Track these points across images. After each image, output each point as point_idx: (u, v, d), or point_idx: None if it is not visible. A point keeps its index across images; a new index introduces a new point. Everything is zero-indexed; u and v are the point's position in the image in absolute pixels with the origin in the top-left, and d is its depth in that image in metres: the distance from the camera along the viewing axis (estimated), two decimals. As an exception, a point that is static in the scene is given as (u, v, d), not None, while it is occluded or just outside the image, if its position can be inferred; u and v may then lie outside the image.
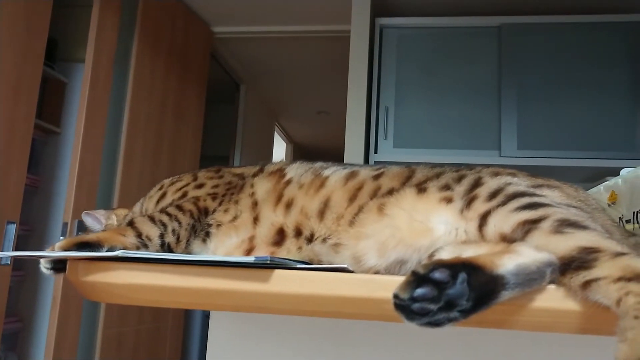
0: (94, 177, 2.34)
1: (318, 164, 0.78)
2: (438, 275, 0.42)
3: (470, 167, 0.70)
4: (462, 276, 0.43)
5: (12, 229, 2.00)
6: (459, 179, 0.65)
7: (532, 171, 2.33)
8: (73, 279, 0.56)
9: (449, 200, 0.61)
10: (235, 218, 0.72)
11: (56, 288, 2.15)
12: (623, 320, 0.41)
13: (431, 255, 0.58)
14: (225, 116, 4.19)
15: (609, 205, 0.80)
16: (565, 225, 0.50)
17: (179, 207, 0.71)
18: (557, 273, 0.48)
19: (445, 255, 0.56)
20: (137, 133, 2.63)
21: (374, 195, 0.68)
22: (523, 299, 0.48)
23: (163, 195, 0.80)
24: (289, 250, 0.70)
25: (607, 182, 0.82)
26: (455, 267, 0.43)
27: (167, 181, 0.83)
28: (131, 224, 0.67)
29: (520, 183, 0.61)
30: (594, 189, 0.86)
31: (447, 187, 0.64)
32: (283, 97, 4.81)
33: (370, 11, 2.73)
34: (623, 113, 2.53)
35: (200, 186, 0.78)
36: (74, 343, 2.21)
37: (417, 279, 0.43)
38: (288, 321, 0.79)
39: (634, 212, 0.73)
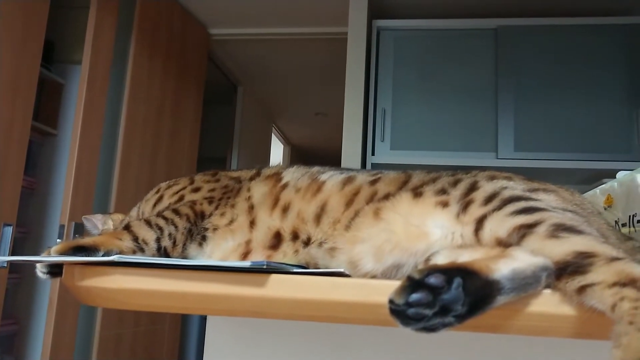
0: (91, 179, 2.33)
1: (315, 168, 0.78)
2: (433, 280, 0.42)
3: (467, 171, 0.70)
4: (457, 281, 0.43)
5: (8, 231, 1.99)
6: (455, 183, 0.65)
7: (529, 173, 2.33)
8: (69, 284, 0.56)
9: (445, 204, 0.62)
10: (231, 222, 0.73)
11: (53, 290, 2.14)
12: (618, 325, 0.41)
13: (427, 260, 0.58)
14: (222, 118, 4.19)
15: (605, 209, 0.80)
16: (560, 229, 0.51)
17: (176, 211, 0.71)
18: (552, 278, 0.48)
19: (441, 259, 0.56)
20: (134, 135, 2.63)
21: (370, 200, 0.68)
22: (519, 303, 0.48)
23: (160, 199, 0.80)
24: (286, 253, 0.70)
25: (603, 185, 0.82)
26: (451, 272, 0.43)
27: (163, 185, 0.83)
28: (127, 227, 0.67)
29: (516, 187, 0.61)
30: (590, 192, 0.86)
31: (443, 191, 0.64)
32: (280, 99, 4.81)
33: (367, 13, 2.73)
34: (619, 115, 2.54)
35: (196, 190, 0.78)
36: (70, 345, 2.21)
37: (413, 284, 0.43)
38: (285, 324, 0.79)
39: (629, 216, 0.73)
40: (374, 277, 0.62)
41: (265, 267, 0.51)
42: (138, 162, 2.66)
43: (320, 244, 0.67)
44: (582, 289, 0.45)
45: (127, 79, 2.60)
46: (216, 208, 0.75)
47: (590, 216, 0.60)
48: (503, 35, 2.68)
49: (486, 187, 0.61)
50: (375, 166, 2.64)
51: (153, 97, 2.78)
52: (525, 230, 0.52)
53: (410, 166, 2.71)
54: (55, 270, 0.64)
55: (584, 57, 2.61)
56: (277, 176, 0.78)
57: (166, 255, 0.68)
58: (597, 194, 0.83)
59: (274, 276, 0.52)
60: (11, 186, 2.01)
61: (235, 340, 0.80)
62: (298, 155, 6.52)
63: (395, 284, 0.45)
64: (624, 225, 0.74)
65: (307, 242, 0.69)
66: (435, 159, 2.61)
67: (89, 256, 0.60)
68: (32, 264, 0.65)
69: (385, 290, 0.46)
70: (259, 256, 0.70)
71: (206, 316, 0.82)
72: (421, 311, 0.42)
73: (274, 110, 5.11)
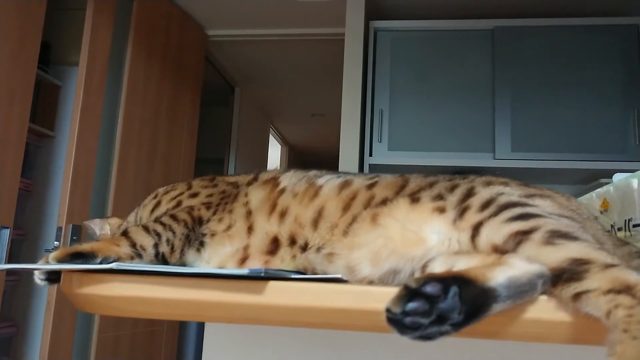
0: (88, 181, 2.33)
1: (312, 172, 0.79)
2: (430, 289, 0.43)
3: (464, 176, 0.71)
4: (453, 290, 0.43)
5: (5, 233, 1.99)
6: (452, 189, 0.65)
7: (526, 173, 2.32)
8: (67, 291, 0.56)
9: (441, 210, 0.62)
10: (229, 227, 0.73)
11: (50, 293, 2.14)
12: (612, 333, 0.41)
13: (424, 266, 0.58)
14: (220, 119, 4.19)
15: (600, 213, 0.81)
16: (556, 236, 0.51)
17: (173, 217, 0.71)
18: (548, 284, 0.48)
19: (438, 266, 0.56)
20: (132, 136, 2.63)
21: (367, 204, 0.68)
22: (515, 310, 0.48)
23: (157, 204, 0.80)
24: (283, 259, 0.70)
25: (599, 189, 0.82)
26: (447, 280, 0.44)
27: (161, 190, 0.83)
28: (125, 233, 0.67)
29: (512, 193, 0.61)
30: (587, 196, 0.87)
31: (440, 197, 0.64)
32: (278, 100, 4.82)
33: (364, 14, 2.73)
34: (616, 115, 2.54)
35: (194, 195, 0.78)
36: (68, 348, 2.20)
37: (409, 293, 0.43)
38: (283, 329, 0.79)
39: (625, 220, 0.74)
40: (371, 282, 0.62)
41: (263, 274, 0.51)
42: (135, 163, 2.65)
43: (318, 249, 0.67)
44: (577, 296, 0.45)
45: (124, 80, 2.60)
46: (214, 214, 0.75)
47: (586, 222, 0.60)
48: (500, 36, 2.69)
49: (483, 193, 0.61)
50: (373, 167, 2.64)
51: (150, 99, 2.77)
52: (521, 237, 0.52)
53: (407, 166, 2.72)
54: (53, 276, 0.64)
55: (581, 58, 2.62)
56: (274, 181, 0.78)
57: (164, 261, 0.68)
58: (593, 198, 0.84)
59: (271, 283, 0.53)
60: (8, 188, 2.01)
61: (233, 346, 0.80)
62: (296, 156, 6.53)
63: (393, 290, 0.45)
64: (620, 229, 0.74)
65: (304, 248, 0.69)
66: (433, 159, 2.61)
67: (86, 262, 0.60)
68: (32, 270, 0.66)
69: (383, 297, 0.47)
70: (256, 262, 0.70)
71: (204, 321, 0.82)
72: (418, 320, 0.42)
73: (271, 111, 5.11)
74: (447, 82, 2.69)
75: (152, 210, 0.79)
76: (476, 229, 0.57)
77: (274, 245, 0.71)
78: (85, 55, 2.30)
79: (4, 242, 1.99)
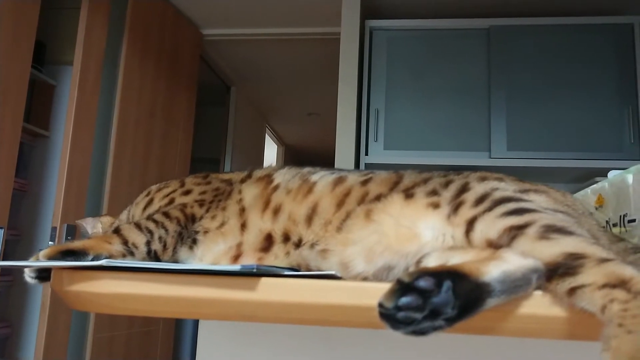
0: (83, 181, 2.32)
1: (306, 169, 0.78)
2: (423, 283, 0.42)
3: (458, 172, 0.70)
4: (447, 284, 0.42)
5: (0, 233, 1.98)
6: (446, 184, 0.64)
7: (522, 172, 2.32)
8: (58, 289, 0.55)
9: (436, 205, 0.61)
10: (222, 224, 0.72)
11: (45, 293, 2.13)
12: (607, 328, 0.41)
13: (418, 261, 0.58)
14: (215, 118, 4.18)
15: (596, 209, 0.81)
16: (551, 231, 0.50)
17: (166, 214, 0.71)
18: (543, 279, 0.48)
19: (432, 261, 0.56)
20: (127, 136, 2.62)
21: (361, 201, 0.68)
22: (510, 305, 0.48)
23: (150, 202, 0.79)
24: (277, 255, 0.69)
25: (594, 185, 0.82)
26: (440, 275, 0.43)
27: (154, 187, 0.83)
28: (117, 231, 0.66)
29: (507, 188, 0.61)
30: (582, 192, 0.86)
31: (434, 193, 0.63)
32: (274, 99, 4.81)
33: (360, 13, 2.73)
34: (611, 114, 2.55)
35: (187, 192, 0.78)
36: (63, 348, 2.19)
37: (402, 287, 0.42)
38: (278, 327, 0.79)
39: (620, 216, 0.73)
40: (365, 278, 0.62)
41: (255, 270, 0.50)
42: (130, 163, 2.64)
43: (312, 246, 0.67)
44: (572, 291, 0.45)
45: (119, 79, 2.58)
46: (207, 211, 0.74)
47: (581, 217, 0.60)
48: (495, 35, 2.69)
49: (477, 189, 0.61)
50: (368, 166, 2.64)
51: (145, 98, 2.76)
52: (515, 232, 0.52)
53: (403, 166, 2.72)
54: (44, 274, 0.63)
55: (576, 57, 2.62)
56: (268, 178, 0.78)
57: (156, 258, 0.68)
58: (588, 194, 0.83)
59: (264, 280, 0.52)
60: (2, 188, 2.00)
61: (227, 343, 0.80)
62: (292, 156, 6.52)
63: (387, 286, 0.45)
64: (615, 225, 0.74)
65: (298, 244, 0.68)
66: (429, 158, 2.61)
67: (78, 260, 0.59)
68: (22, 268, 0.65)
69: (376, 293, 0.46)
70: (250, 259, 0.70)
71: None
72: (411, 315, 0.41)
73: (267, 110, 5.10)
74: (443, 81, 2.69)
75: (145, 208, 0.79)
76: (470, 224, 0.56)
77: (268, 242, 0.70)
78: (79, 54, 2.29)
79: (-2, 243, 1.97)
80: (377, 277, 0.62)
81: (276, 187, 0.75)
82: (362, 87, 2.72)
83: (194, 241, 0.71)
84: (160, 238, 0.68)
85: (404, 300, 0.41)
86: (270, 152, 5.96)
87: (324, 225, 0.67)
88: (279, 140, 6.06)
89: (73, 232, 2.17)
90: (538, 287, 0.48)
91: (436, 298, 0.42)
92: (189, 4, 3.05)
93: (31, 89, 2.27)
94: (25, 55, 2.11)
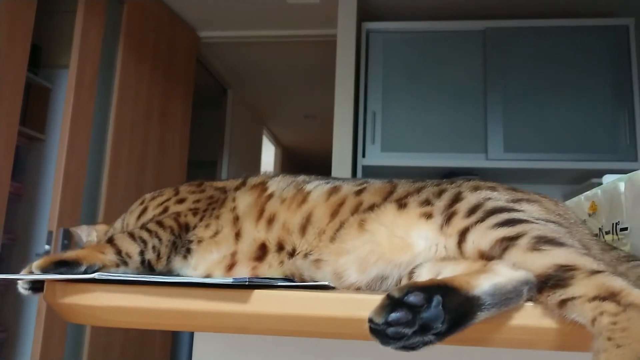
0: (79, 185, 2.31)
1: (300, 178, 0.78)
2: (412, 298, 0.42)
3: (452, 180, 0.70)
4: (436, 299, 0.43)
5: (-5, 238, 1.97)
6: (439, 194, 0.65)
7: (519, 174, 2.31)
8: (51, 301, 0.55)
9: (429, 215, 0.62)
10: (216, 233, 0.72)
11: (41, 297, 2.12)
12: (597, 341, 0.41)
13: (411, 272, 0.58)
14: (212, 121, 4.18)
15: (589, 216, 0.81)
16: (542, 242, 0.51)
17: (160, 223, 0.70)
18: (534, 291, 0.48)
19: (425, 272, 0.56)
20: (123, 139, 2.61)
21: (355, 210, 0.68)
22: (501, 317, 0.48)
23: (144, 211, 0.79)
24: (271, 264, 0.70)
25: (588, 192, 0.82)
26: (430, 289, 0.43)
27: (148, 196, 0.83)
28: (111, 241, 0.66)
29: (499, 198, 0.61)
30: (575, 199, 0.87)
31: (427, 202, 0.64)
32: (271, 101, 4.81)
33: (356, 16, 2.73)
34: (606, 115, 2.56)
35: (181, 201, 0.77)
36: (59, 353, 2.19)
37: (392, 302, 0.43)
38: (272, 337, 0.79)
39: (613, 223, 0.74)
40: (358, 288, 0.62)
41: (247, 282, 0.50)
42: (127, 166, 2.64)
43: (306, 255, 0.67)
44: (563, 303, 0.45)
45: (115, 83, 2.58)
46: (201, 220, 0.74)
47: (573, 227, 0.60)
48: (491, 37, 2.70)
49: (470, 198, 0.61)
50: (366, 168, 2.64)
51: (141, 101, 2.76)
52: (507, 243, 0.52)
53: (401, 168, 2.72)
54: (37, 285, 0.63)
55: (572, 58, 2.63)
56: (262, 186, 0.78)
57: (150, 268, 0.68)
58: (582, 201, 0.84)
59: (257, 292, 0.52)
60: (-2, 193, 1.99)
61: (222, 353, 0.80)
62: (289, 158, 6.52)
63: (379, 298, 0.45)
64: (607, 232, 0.74)
65: (292, 254, 0.69)
66: (426, 160, 2.62)
67: (71, 270, 0.59)
68: (18, 271, 0.65)
69: (369, 305, 0.46)
70: (244, 268, 0.70)
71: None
72: (401, 330, 0.41)
73: (264, 112, 5.10)
74: (439, 83, 2.69)
75: (139, 217, 0.79)
76: (463, 234, 0.56)
77: (262, 252, 0.70)
78: (75, 57, 2.28)
79: (-7, 247, 1.97)
80: (370, 287, 0.62)
81: (270, 196, 0.75)
82: (359, 89, 2.72)
83: (188, 250, 0.71)
84: (154, 247, 0.67)
85: (394, 315, 0.42)
86: (268, 155, 5.96)
87: (318, 235, 0.67)
88: (277, 142, 6.06)
89: (69, 236, 2.17)
90: (529, 299, 0.49)
91: (426, 313, 0.42)
92: (185, 7, 3.05)
93: (27, 92, 2.27)
94: (21, 58, 2.10)
